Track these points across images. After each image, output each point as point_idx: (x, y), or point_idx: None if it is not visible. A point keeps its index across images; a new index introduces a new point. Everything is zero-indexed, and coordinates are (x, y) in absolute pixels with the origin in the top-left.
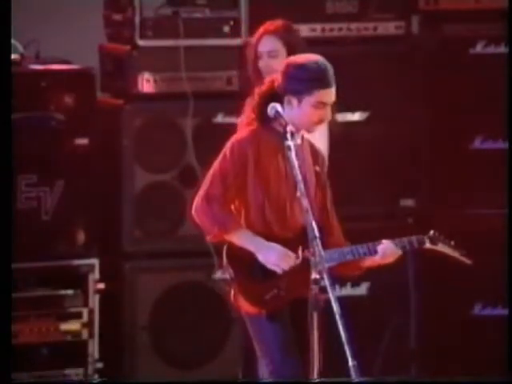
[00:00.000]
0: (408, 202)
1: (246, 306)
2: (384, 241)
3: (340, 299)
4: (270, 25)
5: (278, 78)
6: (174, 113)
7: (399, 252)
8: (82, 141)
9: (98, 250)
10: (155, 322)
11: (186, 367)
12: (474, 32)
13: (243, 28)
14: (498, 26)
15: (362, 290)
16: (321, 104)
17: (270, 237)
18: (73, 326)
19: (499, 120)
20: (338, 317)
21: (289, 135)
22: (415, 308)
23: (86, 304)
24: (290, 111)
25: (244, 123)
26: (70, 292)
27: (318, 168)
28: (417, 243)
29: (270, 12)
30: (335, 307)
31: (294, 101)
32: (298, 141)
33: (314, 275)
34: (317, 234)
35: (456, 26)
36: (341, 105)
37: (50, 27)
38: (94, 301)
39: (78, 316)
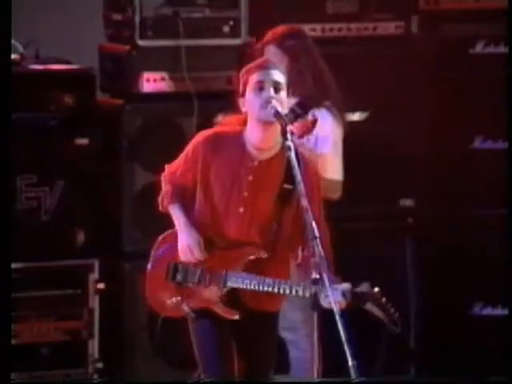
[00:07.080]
0: (408, 202)
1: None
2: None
3: None
4: (271, 34)
5: None
6: (174, 113)
7: None
8: (82, 141)
9: (97, 250)
10: (155, 322)
11: (186, 367)
12: (473, 32)
13: (243, 28)
14: (498, 26)
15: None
16: (258, 83)
17: (205, 239)
18: (73, 326)
19: (499, 120)
20: (337, 317)
21: (289, 135)
22: (415, 308)
23: (85, 304)
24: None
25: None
26: (69, 292)
27: (288, 186)
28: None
29: (270, 12)
30: (335, 307)
31: (241, 100)
32: (267, 154)
33: (314, 275)
34: (317, 234)
35: (456, 26)
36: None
37: (50, 27)
38: (94, 301)
39: (78, 316)
